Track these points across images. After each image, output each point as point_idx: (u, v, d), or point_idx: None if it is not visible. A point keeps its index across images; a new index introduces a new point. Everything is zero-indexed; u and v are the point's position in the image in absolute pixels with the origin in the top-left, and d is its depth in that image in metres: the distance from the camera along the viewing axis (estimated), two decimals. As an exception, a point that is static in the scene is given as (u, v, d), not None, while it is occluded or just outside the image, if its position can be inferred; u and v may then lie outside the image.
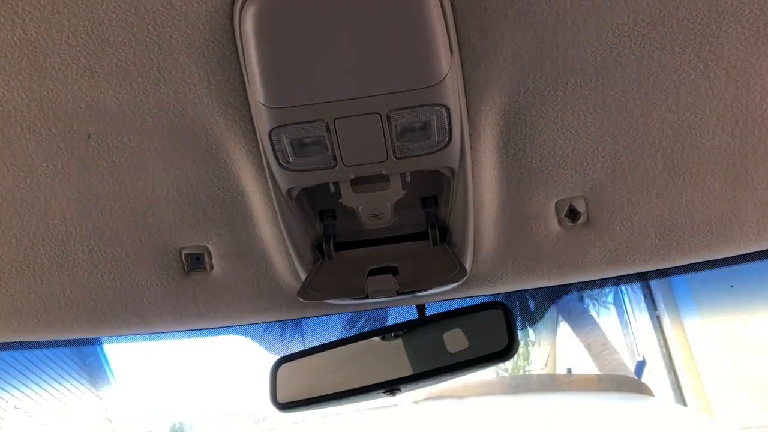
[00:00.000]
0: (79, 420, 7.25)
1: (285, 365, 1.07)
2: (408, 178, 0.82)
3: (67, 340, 1.11)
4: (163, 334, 1.14)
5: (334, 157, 0.77)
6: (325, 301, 1.00)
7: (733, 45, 0.76)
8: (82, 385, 7.11)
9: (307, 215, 0.90)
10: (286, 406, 1.05)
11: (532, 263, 0.99)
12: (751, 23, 0.74)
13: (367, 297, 0.89)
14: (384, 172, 0.80)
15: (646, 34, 0.74)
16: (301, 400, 1.04)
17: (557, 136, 0.84)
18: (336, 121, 0.72)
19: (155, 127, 0.78)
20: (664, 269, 1.04)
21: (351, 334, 1.13)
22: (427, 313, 1.07)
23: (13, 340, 1.05)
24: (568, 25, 0.72)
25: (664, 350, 6.27)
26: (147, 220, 0.90)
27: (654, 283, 6.05)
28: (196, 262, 0.96)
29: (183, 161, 0.83)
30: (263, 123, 0.73)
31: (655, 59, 0.76)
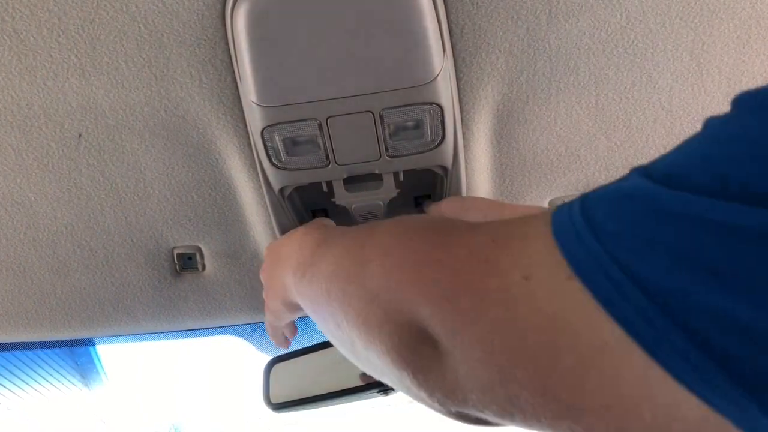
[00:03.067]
0: (72, 421, 7.23)
1: (278, 365, 1.07)
2: (401, 177, 0.82)
3: (59, 341, 1.11)
4: (156, 334, 1.13)
5: (327, 156, 0.76)
6: None
7: (726, 44, 0.76)
8: (75, 385, 7.08)
9: (299, 214, 0.89)
10: (279, 407, 1.04)
11: None
12: (744, 22, 0.74)
13: None
14: (377, 171, 0.80)
15: (639, 32, 0.74)
16: (295, 401, 1.04)
17: (551, 134, 0.84)
18: (329, 120, 0.71)
19: (146, 126, 0.78)
20: None
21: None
22: None
23: (4, 341, 1.04)
24: (561, 23, 0.72)
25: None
26: (138, 220, 0.89)
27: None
28: (188, 261, 0.95)
29: (175, 160, 0.82)
30: (255, 122, 0.72)
31: (648, 58, 0.76)
